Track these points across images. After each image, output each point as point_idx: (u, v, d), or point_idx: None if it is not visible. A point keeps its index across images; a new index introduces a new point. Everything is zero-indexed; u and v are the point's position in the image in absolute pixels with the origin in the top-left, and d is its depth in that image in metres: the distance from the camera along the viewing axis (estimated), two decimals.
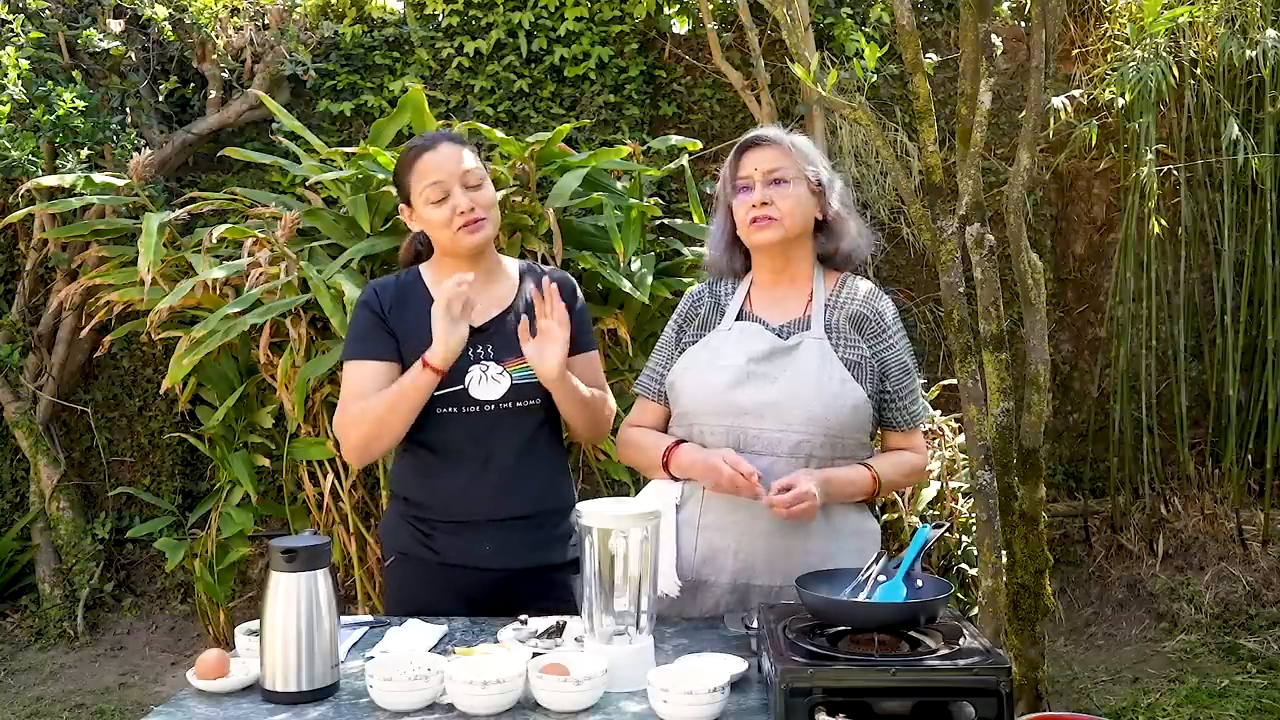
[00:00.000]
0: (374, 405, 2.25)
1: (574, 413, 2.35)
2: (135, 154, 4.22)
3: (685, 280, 3.90)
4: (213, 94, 4.93)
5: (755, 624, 1.96)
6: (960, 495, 3.98)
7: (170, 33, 4.70)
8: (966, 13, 3.06)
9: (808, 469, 2.12)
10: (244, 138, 4.98)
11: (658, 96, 5.15)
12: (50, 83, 4.26)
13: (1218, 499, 4.92)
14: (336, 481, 3.86)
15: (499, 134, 3.84)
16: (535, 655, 1.89)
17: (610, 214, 3.64)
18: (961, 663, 1.67)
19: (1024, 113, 3.21)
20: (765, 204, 2.19)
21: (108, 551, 4.95)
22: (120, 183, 4.03)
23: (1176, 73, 4.63)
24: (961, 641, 1.74)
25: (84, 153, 4.30)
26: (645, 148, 4.53)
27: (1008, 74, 4.93)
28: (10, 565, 4.94)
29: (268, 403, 3.97)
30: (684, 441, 2.23)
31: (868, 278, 2.36)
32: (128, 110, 4.76)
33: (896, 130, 4.89)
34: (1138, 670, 4.28)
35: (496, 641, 2.02)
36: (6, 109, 4.10)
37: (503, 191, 3.58)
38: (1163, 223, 4.67)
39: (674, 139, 4.38)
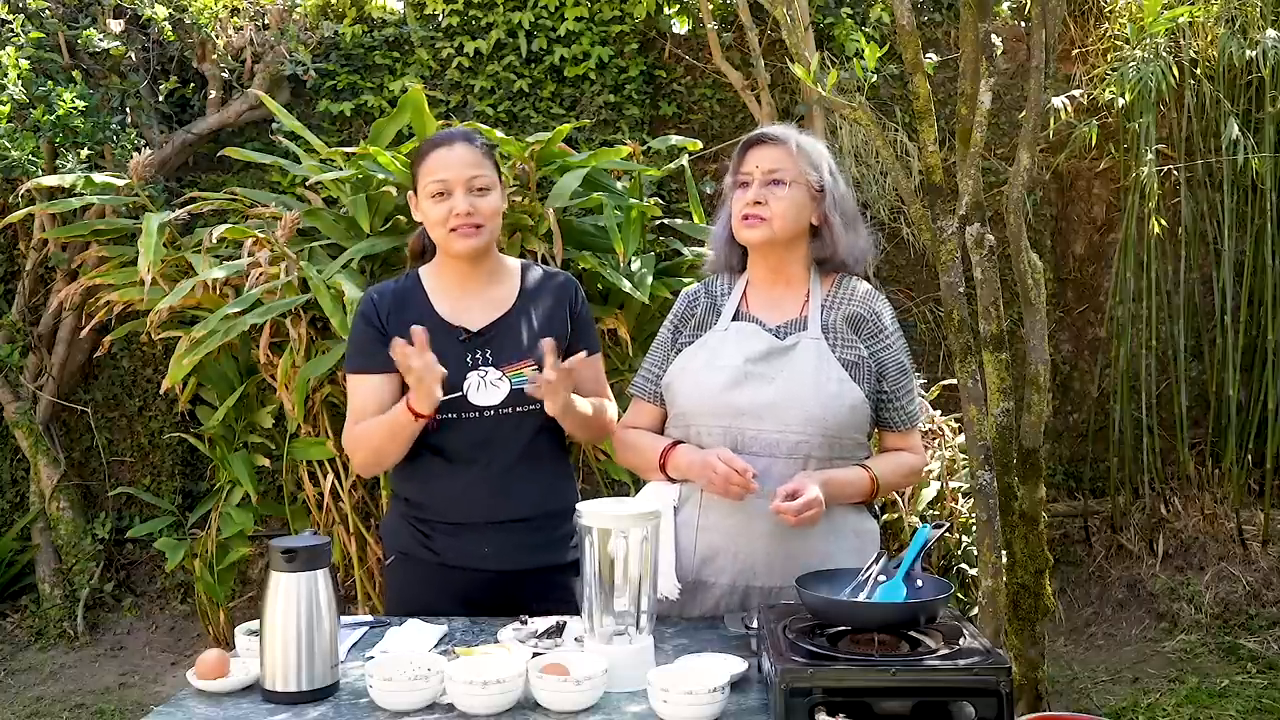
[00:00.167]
0: (371, 435, 2.29)
1: (575, 430, 2.37)
2: (135, 154, 4.22)
3: (685, 280, 3.90)
4: (213, 94, 4.93)
5: (755, 624, 1.96)
6: (960, 495, 3.98)
7: (170, 33, 4.70)
8: (966, 13, 3.06)
9: (807, 471, 2.12)
10: (244, 138, 4.98)
11: (658, 96, 5.15)
12: (50, 83, 4.26)
13: (1218, 499, 4.92)
14: (336, 481, 3.86)
15: (499, 134, 3.83)
16: (535, 655, 1.89)
17: (610, 214, 3.63)
18: (961, 663, 1.67)
19: (1024, 113, 3.21)
20: (758, 203, 2.19)
21: (108, 551, 4.95)
22: (120, 183, 4.03)
23: (1176, 73, 4.63)
24: (961, 641, 1.74)
25: (84, 153, 4.30)
26: (645, 148, 4.53)
27: (1008, 74, 4.93)
28: (10, 565, 4.94)
29: (268, 403, 3.97)
30: (681, 443, 2.23)
31: (866, 278, 2.36)
32: (128, 110, 4.76)
33: (896, 130, 4.90)
34: (1138, 670, 4.28)
35: (496, 641, 2.02)
36: (6, 109, 4.10)
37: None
38: (1163, 223, 4.67)
39: (674, 139, 4.38)
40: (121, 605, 4.93)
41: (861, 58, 3.03)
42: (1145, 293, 4.84)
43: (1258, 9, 4.67)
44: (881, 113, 4.94)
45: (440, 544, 2.33)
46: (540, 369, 2.22)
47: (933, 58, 4.69)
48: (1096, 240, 5.24)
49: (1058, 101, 4.61)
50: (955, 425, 4.02)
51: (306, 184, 4.12)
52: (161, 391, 4.07)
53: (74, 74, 4.49)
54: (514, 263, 2.46)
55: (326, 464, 3.88)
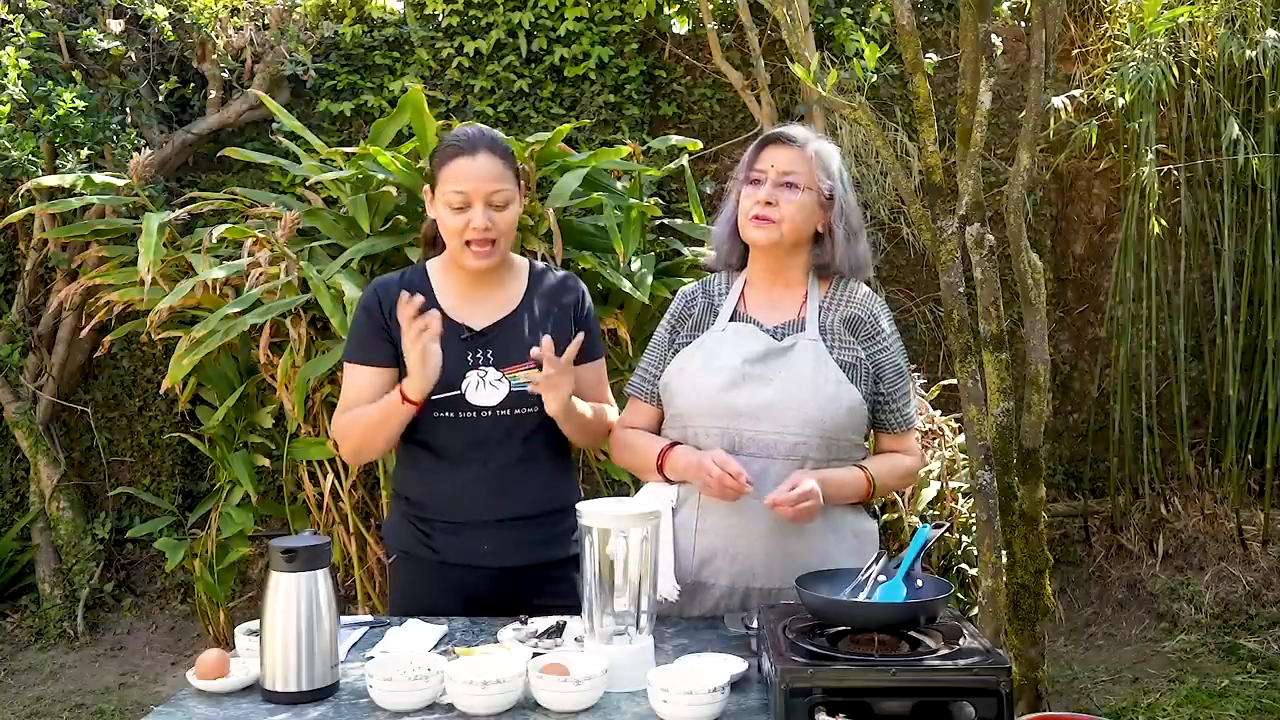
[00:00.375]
0: (361, 422, 2.29)
1: (575, 434, 2.36)
2: (135, 154, 4.22)
3: (685, 280, 3.89)
4: (213, 94, 4.93)
5: (755, 624, 1.96)
6: (960, 495, 3.98)
7: (170, 33, 4.70)
8: (966, 13, 3.06)
9: (804, 470, 2.12)
10: (244, 138, 4.98)
11: (658, 96, 5.15)
12: (50, 83, 4.26)
13: (1218, 499, 4.92)
14: (336, 481, 3.86)
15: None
16: (535, 655, 1.89)
17: (610, 214, 3.63)
18: (961, 663, 1.67)
19: (1024, 113, 3.21)
20: (770, 204, 2.18)
21: (108, 551, 4.95)
22: (120, 183, 4.03)
23: (1176, 73, 4.63)
24: (961, 641, 1.74)
25: (84, 153, 4.30)
26: (645, 148, 4.53)
27: (1008, 74, 4.93)
28: (10, 565, 4.93)
29: (268, 403, 3.97)
30: (679, 444, 2.23)
31: (865, 281, 2.35)
32: (128, 110, 4.76)
33: (896, 130, 4.90)
34: (1138, 670, 4.28)
35: (496, 641, 2.02)
36: (6, 109, 4.10)
37: None
38: (1163, 223, 4.67)
39: (674, 139, 4.38)
40: (121, 605, 4.93)
41: (861, 58, 3.03)
42: (1145, 293, 4.84)
43: (1258, 9, 4.67)
44: (881, 113, 4.94)
45: (440, 542, 2.33)
46: (541, 371, 2.21)
47: (933, 58, 4.69)
48: (1096, 240, 5.24)
49: (1058, 101, 4.61)
50: (955, 425, 4.02)
51: (306, 184, 4.12)
52: (161, 391, 4.07)
53: (74, 74, 4.49)
54: (522, 262, 2.44)
55: (326, 464, 3.88)
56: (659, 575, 2.10)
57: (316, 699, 1.80)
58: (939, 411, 4.18)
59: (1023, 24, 5.03)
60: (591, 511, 1.86)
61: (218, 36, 4.78)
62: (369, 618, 2.25)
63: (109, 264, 4.07)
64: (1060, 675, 4.20)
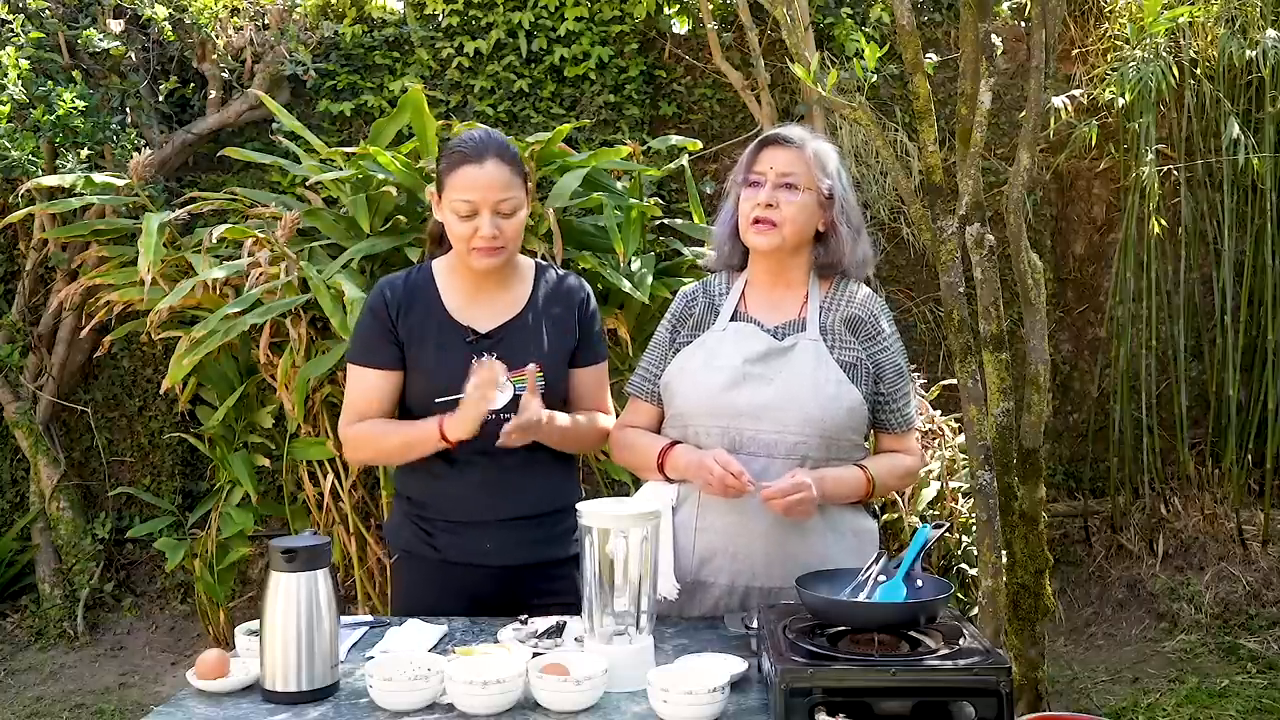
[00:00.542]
0: (382, 443, 2.30)
1: (557, 445, 2.35)
2: (135, 154, 4.22)
3: (685, 280, 3.89)
4: (213, 94, 4.93)
5: (755, 624, 1.96)
6: (960, 495, 3.98)
7: (170, 33, 4.70)
8: (966, 13, 3.06)
9: (803, 469, 2.12)
10: (244, 138, 4.98)
11: (658, 96, 5.15)
12: (50, 83, 4.26)
13: (1218, 499, 4.92)
14: (336, 481, 3.86)
15: None
16: (535, 655, 1.89)
17: (610, 214, 3.63)
18: (961, 663, 1.67)
19: (1024, 113, 3.21)
20: (770, 206, 2.18)
21: (108, 551, 4.95)
22: (120, 183, 4.03)
23: (1176, 73, 4.63)
24: (961, 641, 1.74)
25: (84, 153, 4.30)
26: (645, 148, 4.53)
27: (1008, 74, 4.93)
28: (10, 565, 4.93)
29: (268, 403, 3.97)
30: (679, 443, 2.23)
31: (865, 280, 2.35)
32: (128, 110, 4.76)
33: (896, 130, 4.90)
34: (1138, 670, 4.28)
35: (496, 641, 2.02)
36: (6, 109, 4.10)
37: None
38: (1163, 223, 4.67)
39: (674, 139, 4.38)
40: (121, 605, 4.93)
41: (861, 58, 3.03)
42: (1145, 293, 4.84)
43: (1258, 9, 4.67)
44: (881, 113, 4.94)
45: (442, 541, 2.33)
46: (542, 372, 2.23)
47: (933, 58, 4.69)
48: (1096, 240, 5.24)
49: (1058, 101, 4.61)
50: (955, 425, 4.02)
51: (306, 184, 4.12)
52: (161, 391, 4.06)
53: (74, 74, 4.49)
54: (527, 263, 2.44)
55: (326, 464, 3.88)
56: (659, 574, 2.10)
57: (316, 699, 1.80)
58: (939, 411, 4.18)
59: (1023, 24, 5.03)
60: (591, 511, 1.86)
61: (218, 36, 4.78)
62: (369, 618, 2.25)
63: (109, 264, 4.07)
64: (1060, 675, 4.20)
